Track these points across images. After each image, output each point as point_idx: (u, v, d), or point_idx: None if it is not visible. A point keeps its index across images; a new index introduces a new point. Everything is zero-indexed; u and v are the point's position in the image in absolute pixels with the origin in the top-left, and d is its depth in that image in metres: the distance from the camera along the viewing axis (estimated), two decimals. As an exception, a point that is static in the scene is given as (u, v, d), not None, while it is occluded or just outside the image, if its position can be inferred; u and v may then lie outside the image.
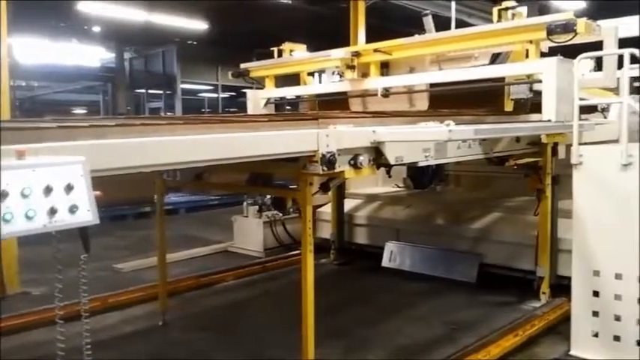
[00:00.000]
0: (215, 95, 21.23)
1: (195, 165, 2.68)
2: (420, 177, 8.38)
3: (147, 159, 2.30)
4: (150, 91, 20.61)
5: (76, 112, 25.44)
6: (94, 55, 20.15)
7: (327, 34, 9.86)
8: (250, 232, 8.37)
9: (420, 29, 6.68)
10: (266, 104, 7.01)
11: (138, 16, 13.85)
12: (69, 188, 1.90)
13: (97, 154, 2.13)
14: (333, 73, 6.63)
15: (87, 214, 1.94)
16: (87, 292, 2.27)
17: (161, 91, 20.00)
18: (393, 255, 7.07)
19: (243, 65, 7.09)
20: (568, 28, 4.34)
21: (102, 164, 2.15)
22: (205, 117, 5.36)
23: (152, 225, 5.79)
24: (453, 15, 10.52)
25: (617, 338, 4.16)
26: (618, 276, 4.12)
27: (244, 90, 7.76)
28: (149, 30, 15.33)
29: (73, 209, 1.91)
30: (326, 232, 7.82)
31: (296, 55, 6.93)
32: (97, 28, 16.86)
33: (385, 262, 7.07)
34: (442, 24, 9.38)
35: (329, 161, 3.21)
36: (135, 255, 7.91)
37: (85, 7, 13.49)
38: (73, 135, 2.25)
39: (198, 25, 15.22)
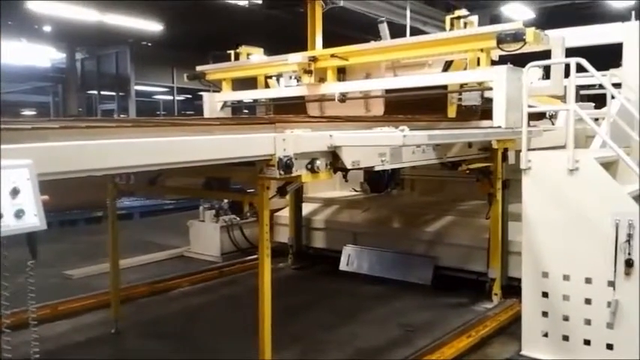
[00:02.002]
0: (171, 98, 20.90)
1: (149, 169, 2.63)
2: (377, 181, 8.48)
3: (97, 162, 2.25)
4: (102, 93, 20.10)
5: (25, 113, 24.58)
6: (44, 55, 19.52)
7: (285, 38, 9.87)
8: (207, 237, 8.27)
9: (377, 36, 6.77)
10: (223, 107, 6.94)
11: (90, 15, 13.50)
12: (15, 192, 1.83)
13: (45, 158, 2.06)
14: (291, 78, 6.64)
15: (34, 219, 1.88)
16: (35, 300, 2.20)
17: (114, 93, 19.55)
18: (350, 259, 7.12)
19: (199, 68, 7.01)
20: (517, 37, 4.47)
21: (50, 167, 2.08)
22: (159, 119, 5.27)
23: (104, 230, 5.64)
24: (408, 23, 10.71)
25: (565, 338, 4.31)
26: (566, 277, 4.27)
27: (201, 92, 7.69)
28: (102, 30, 14.95)
29: (19, 214, 1.85)
30: (284, 236, 7.80)
31: (253, 58, 6.91)
32: (47, 28, 16.34)
33: (343, 266, 7.11)
34: (398, 32, 9.55)
35: (286, 165, 3.22)
36: (86, 261, 7.69)
37: (35, 6, 13.06)
38: (20, 138, 2.17)
39: (152, 26, 14.95)
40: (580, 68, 4.39)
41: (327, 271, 7.21)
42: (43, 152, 2.07)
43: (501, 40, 4.55)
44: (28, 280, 2.17)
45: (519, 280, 4.68)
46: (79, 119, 7.07)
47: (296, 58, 5.80)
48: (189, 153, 2.74)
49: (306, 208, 7.85)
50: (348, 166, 3.61)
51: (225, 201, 8.38)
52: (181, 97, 21.92)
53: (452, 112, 5.41)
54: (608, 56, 6.47)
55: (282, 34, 11.53)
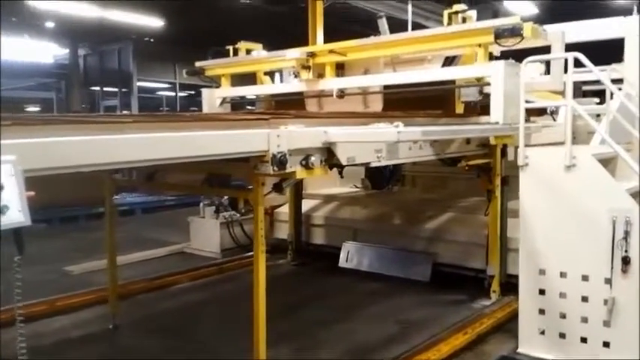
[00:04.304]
0: (173, 94, 20.91)
1: (139, 165, 2.62)
2: (378, 178, 8.45)
3: (84, 158, 2.23)
4: (105, 89, 20.13)
5: (29, 109, 24.68)
6: (47, 52, 19.56)
7: (287, 33, 9.83)
8: (207, 233, 8.27)
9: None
10: (222, 103, 6.94)
11: (92, 11, 13.52)
12: (-2, 188, 1.83)
13: (32, 153, 2.05)
14: (290, 74, 6.62)
15: (18, 215, 1.88)
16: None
17: (117, 89, 19.57)
18: (349, 255, 7.11)
19: (198, 63, 7.00)
20: (515, 31, 4.44)
21: (36, 163, 2.07)
22: (152, 115, 5.23)
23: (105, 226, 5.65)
24: (410, 18, 10.66)
25: (562, 335, 4.28)
26: (563, 274, 4.24)
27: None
28: (104, 26, 14.98)
29: (3, 210, 1.85)
30: (283, 232, 7.80)
31: (253, 54, 6.89)
32: (50, 24, 16.37)
33: (342, 263, 7.10)
34: (400, 27, 9.50)
35: (280, 161, 3.20)
36: (87, 257, 7.70)
37: (37, 2, 13.10)
38: (8, 133, 2.16)
39: (154, 22, 14.96)
40: (578, 63, 4.34)
41: (327, 267, 7.20)
42: (27, 148, 2.06)
43: (499, 34, 4.51)
44: (16, 276, 2.15)
45: (518, 278, 4.65)
46: (77, 115, 7.06)
47: (294, 54, 5.78)
48: (180, 149, 2.72)
49: (306, 205, 7.84)
50: (343, 162, 3.59)
51: (226, 197, 8.37)
52: (184, 94, 21.93)
53: (459, 108, 5.38)
54: (616, 51, 6.41)
55: (284, 30, 11.51)
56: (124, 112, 18.07)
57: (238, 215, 8.32)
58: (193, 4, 13.46)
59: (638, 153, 5.07)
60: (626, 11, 6.91)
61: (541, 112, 6.57)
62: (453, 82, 5.21)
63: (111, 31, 15.90)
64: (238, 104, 7.48)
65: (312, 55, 5.79)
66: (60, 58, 19.68)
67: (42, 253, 7.87)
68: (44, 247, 8.35)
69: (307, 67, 5.77)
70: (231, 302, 5.99)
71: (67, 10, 13.44)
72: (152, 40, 18.11)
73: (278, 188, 3.82)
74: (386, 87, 5.83)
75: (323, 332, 5.08)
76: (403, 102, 5.69)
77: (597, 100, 7.07)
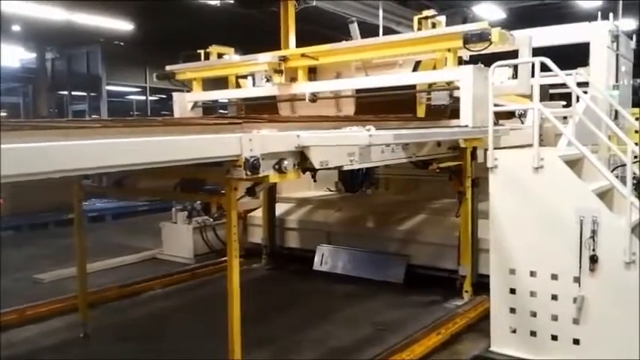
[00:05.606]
0: (144, 98, 20.68)
1: (109, 170, 2.58)
2: (351, 180, 8.50)
3: (53, 165, 2.19)
4: (73, 93, 19.78)
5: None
6: (14, 56, 19.16)
7: (260, 37, 9.81)
8: (179, 239, 8.19)
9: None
10: (193, 107, 6.89)
11: (58, 15, 13.28)
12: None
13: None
14: (262, 78, 6.61)
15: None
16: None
17: (85, 93, 19.25)
18: (324, 258, 7.12)
19: (168, 67, 6.94)
20: (483, 37, 4.53)
21: (3, 171, 2.02)
22: (122, 120, 5.15)
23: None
24: (381, 23, 10.76)
25: (533, 333, 4.36)
26: (533, 274, 4.33)
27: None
28: (71, 29, 14.73)
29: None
30: (258, 236, 7.77)
31: (224, 58, 6.86)
32: (16, 27, 16.04)
33: (317, 266, 7.11)
34: (372, 32, 9.57)
35: (253, 166, 3.19)
36: (57, 265, 7.54)
37: (2, 5, 12.80)
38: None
39: (123, 25, 14.76)
40: (545, 68, 4.45)
41: (301, 270, 7.20)
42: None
43: (467, 39, 4.59)
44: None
45: (489, 277, 4.73)
46: (47, 120, 6.93)
47: (266, 58, 5.79)
48: (152, 154, 2.69)
49: (280, 208, 7.83)
50: (317, 166, 3.61)
51: (198, 202, 8.30)
52: (155, 98, 21.71)
53: (421, 111, 5.46)
54: (584, 55, 6.58)
55: (257, 34, 11.48)
56: (94, 116, 17.79)
57: (211, 220, 8.25)
58: (163, 8, 13.34)
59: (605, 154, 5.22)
60: (590, 17, 7.11)
61: (510, 115, 6.70)
62: (423, 85, 5.27)
63: (79, 34, 15.64)
64: (210, 108, 7.44)
65: (284, 59, 5.80)
66: (27, 62, 19.29)
67: (11, 261, 7.70)
68: (13, 255, 8.18)
69: (279, 71, 5.78)
70: (204, 308, 5.94)
71: (34, 13, 13.18)
72: (122, 43, 17.87)
73: (251, 192, 3.82)
74: (358, 91, 5.89)
75: (299, 336, 5.07)
76: (375, 106, 5.75)
77: (564, 103, 7.24)
